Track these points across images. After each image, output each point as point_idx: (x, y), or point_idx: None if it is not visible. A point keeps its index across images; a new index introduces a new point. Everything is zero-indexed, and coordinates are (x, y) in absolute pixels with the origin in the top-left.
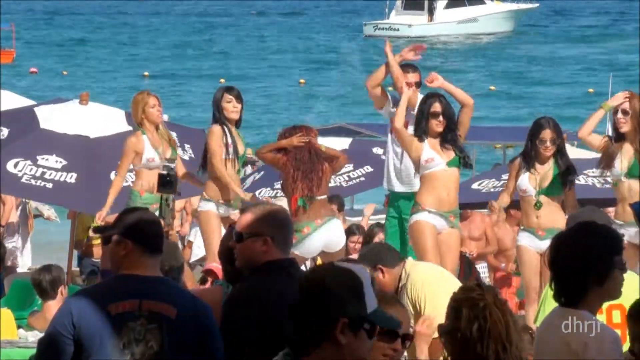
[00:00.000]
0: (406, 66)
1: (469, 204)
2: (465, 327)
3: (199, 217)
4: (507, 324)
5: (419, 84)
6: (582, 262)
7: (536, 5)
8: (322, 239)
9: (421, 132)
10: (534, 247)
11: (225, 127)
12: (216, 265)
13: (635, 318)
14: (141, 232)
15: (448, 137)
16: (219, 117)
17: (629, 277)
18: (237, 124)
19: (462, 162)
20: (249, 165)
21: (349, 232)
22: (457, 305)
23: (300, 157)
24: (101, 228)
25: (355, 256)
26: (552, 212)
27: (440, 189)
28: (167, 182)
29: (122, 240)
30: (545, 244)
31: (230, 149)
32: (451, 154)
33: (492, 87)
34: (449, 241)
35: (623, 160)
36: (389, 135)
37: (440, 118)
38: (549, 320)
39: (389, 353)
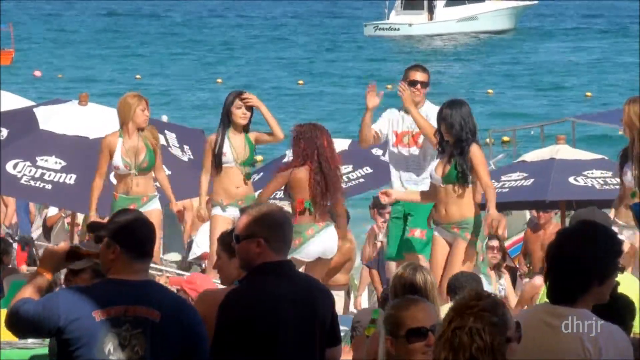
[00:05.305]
0: (416, 67)
1: None
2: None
3: (210, 220)
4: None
5: (425, 84)
6: (590, 260)
7: (535, 2)
8: (321, 243)
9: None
10: None
11: (222, 134)
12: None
13: None
14: (129, 237)
15: None
16: (225, 120)
17: (628, 280)
18: (246, 128)
19: None
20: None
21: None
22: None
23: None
24: (96, 226)
25: None
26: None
27: None
28: None
29: (111, 244)
30: None
31: (217, 158)
32: None
33: (490, 91)
34: None
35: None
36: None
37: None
38: (537, 316)
39: (426, 350)
